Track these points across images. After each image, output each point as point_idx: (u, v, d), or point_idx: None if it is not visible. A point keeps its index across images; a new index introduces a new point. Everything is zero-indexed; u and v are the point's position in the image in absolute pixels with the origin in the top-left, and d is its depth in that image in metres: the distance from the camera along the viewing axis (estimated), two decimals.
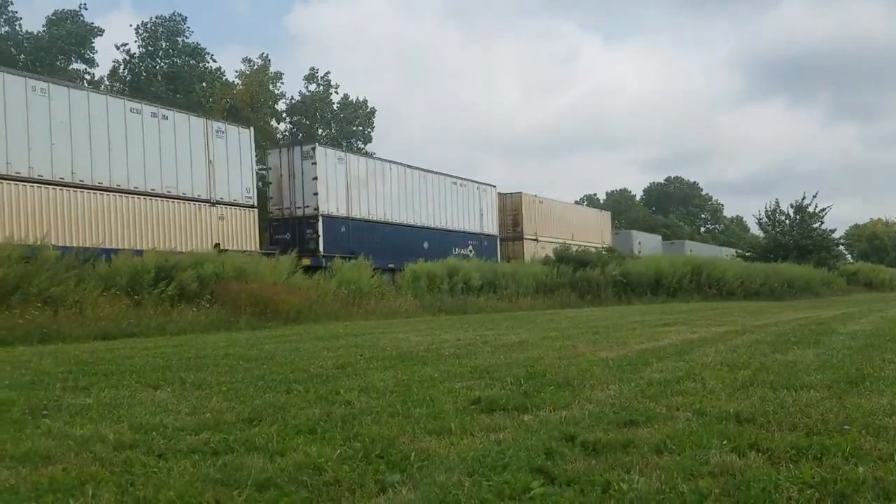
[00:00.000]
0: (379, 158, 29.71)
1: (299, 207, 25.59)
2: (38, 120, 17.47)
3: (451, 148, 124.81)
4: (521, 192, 37.99)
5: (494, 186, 35.66)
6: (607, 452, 3.76)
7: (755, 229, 59.06)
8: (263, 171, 28.00)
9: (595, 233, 44.30)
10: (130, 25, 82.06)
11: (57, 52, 40.36)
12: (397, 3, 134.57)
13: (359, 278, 21.73)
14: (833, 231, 53.09)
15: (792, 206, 51.15)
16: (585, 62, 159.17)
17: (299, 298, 18.36)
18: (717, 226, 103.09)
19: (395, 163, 29.90)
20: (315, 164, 25.31)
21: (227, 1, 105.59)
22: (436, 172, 31.73)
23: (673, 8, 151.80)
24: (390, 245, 27.30)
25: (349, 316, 19.11)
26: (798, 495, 3.06)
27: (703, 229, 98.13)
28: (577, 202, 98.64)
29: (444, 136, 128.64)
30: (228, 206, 22.50)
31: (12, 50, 39.64)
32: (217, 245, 21.37)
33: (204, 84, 43.38)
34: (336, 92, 53.34)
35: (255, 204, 23.58)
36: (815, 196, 51.76)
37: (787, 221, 51.16)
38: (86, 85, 39.24)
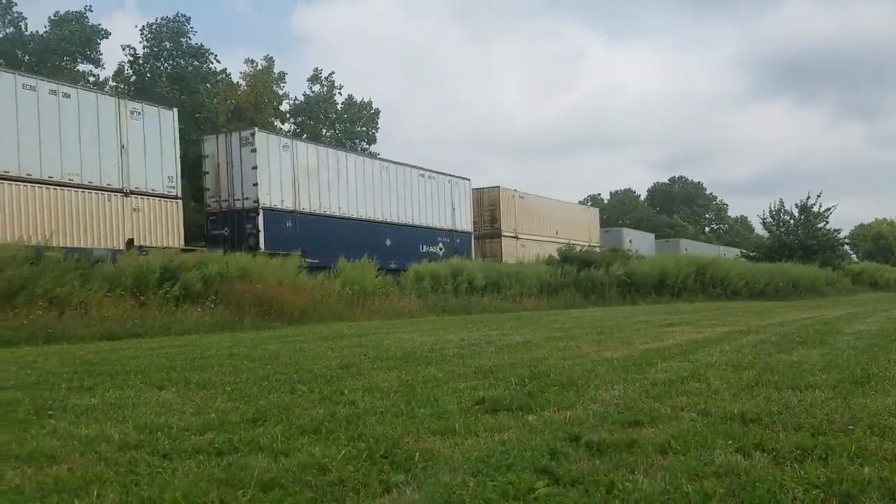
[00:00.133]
0: (332, 147, 27.98)
1: (238, 200, 23.36)
2: None
3: (454, 148, 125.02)
4: (498, 187, 36.01)
5: (468, 180, 33.77)
6: (612, 453, 3.75)
7: (759, 229, 58.94)
8: (201, 160, 25.21)
9: (582, 230, 42.59)
10: (136, 26, 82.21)
11: (62, 54, 40.45)
12: (400, 3, 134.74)
13: (363, 278, 21.75)
14: (838, 231, 53.03)
15: (797, 205, 51.07)
16: (588, 62, 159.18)
17: (303, 299, 18.39)
18: (722, 226, 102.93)
19: (351, 152, 28.32)
20: (255, 151, 23.08)
21: (231, 3, 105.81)
22: (400, 164, 29.83)
23: (675, 8, 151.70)
24: (346, 242, 24.92)
25: (353, 316, 19.12)
26: (803, 496, 3.05)
27: (707, 229, 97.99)
28: (580, 202, 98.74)
29: (447, 137, 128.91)
30: (145, 197, 20.20)
31: (17, 52, 39.74)
32: (131, 241, 19.36)
33: (208, 85, 43.43)
34: (340, 93, 53.39)
35: (180, 195, 21.40)
36: (819, 196, 51.67)
37: (792, 221, 51.03)
38: (90, 84, 39.30)
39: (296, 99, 52.68)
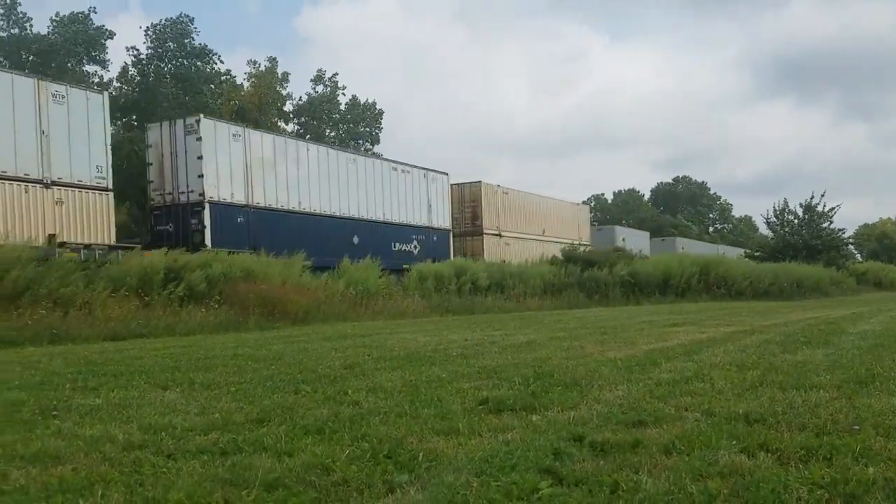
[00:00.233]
0: (291, 136, 26.11)
1: (183, 193, 21.45)
2: None
3: (456, 148, 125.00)
4: (480, 182, 34.03)
5: (446, 174, 31.88)
6: (616, 453, 3.75)
7: (764, 229, 58.76)
8: (144, 150, 23.46)
9: (571, 228, 40.80)
10: (140, 27, 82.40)
11: (66, 55, 40.53)
12: (404, 4, 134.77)
13: (367, 279, 21.77)
14: (842, 230, 52.83)
15: (801, 205, 50.94)
16: (590, 62, 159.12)
17: (307, 299, 18.40)
18: (726, 225, 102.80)
19: (313, 142, 26.22)
20: (200, 139, 21.16)
21: (237, 4, 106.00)
22: (370, 156, 28.47)
23: (676, 8, 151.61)
24: (308, 239, 23.05)
25: (357, 316, 19.13)
26: (808, 496, 3.05)
27: (711, 229, 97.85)
28: (584, 202, 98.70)
29: (449, 137, 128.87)
30: (70, 189, 18.39)
31: (22, 53, 39.83)
32: (53, 236, 17.57)
33: (212, 86, 43.49)
34: (343, 93, 53.44)
35: (111, 186, 19.52)
36: (823, 195, 51.55)
37: (796, 221, 50.90)
38: (95, 86, 39.40)
39: (300, 99, 52.78)
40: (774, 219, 51.78)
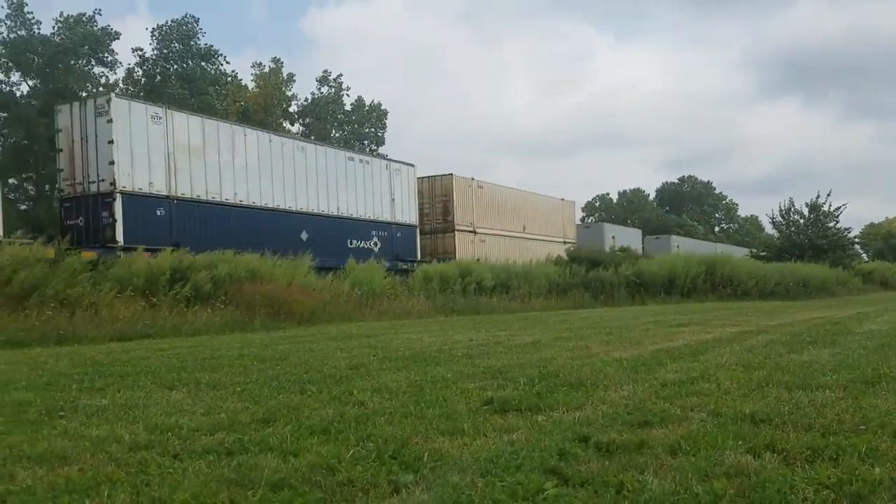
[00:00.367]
0: (225, 121, 23.34)
1: (93, 182, 19.11)
2: None
3: (459, 149, 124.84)
4: (451, 174, 31.64)
5: (412, 166, 29.66)
6: (621, 453, 3.75)
7: (769, 229, 58.54)
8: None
9: (554, 225, 38.54)
10: (146, 28, 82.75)
11: (73, 56, 40.66)
12: (409, 4, 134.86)
13: (371, 279, 21.79)
14: (848, 230, 52.63)
15: (807, 204, 50.77)
16: (594, 62, 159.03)
17: (313, 299, 18.42)
18: (732, 225, 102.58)
19: (252, 128, 24.20)
20: (111, 122, 18.81)
21: (243, 5, 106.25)
22: (322, 144, 26.37)
23: (681, 7, 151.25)
24: (245, 235, 21.25)
25: (362, 317, 19.15)
26: (814, 496, 3.04)
27: (717, 229, 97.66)
28: (589, 202, 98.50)
29: (453, 137, 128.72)
30: None
31: (28, 54, 39.95)
32: None
33: (218, 87, 43.60)
34: (348, 94, 53.52)
35: None
36: (829, 195, 51.39)
37: (802, 221, 50.75)
38: (101, 88, 39.56)
39: (306, 100, 52.88)
40: (780, 218, 51.67)
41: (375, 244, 26.84)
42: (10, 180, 37.89)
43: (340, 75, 53.61)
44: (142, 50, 42.54)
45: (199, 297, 16.82)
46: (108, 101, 19.21)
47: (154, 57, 42.93)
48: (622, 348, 9.11)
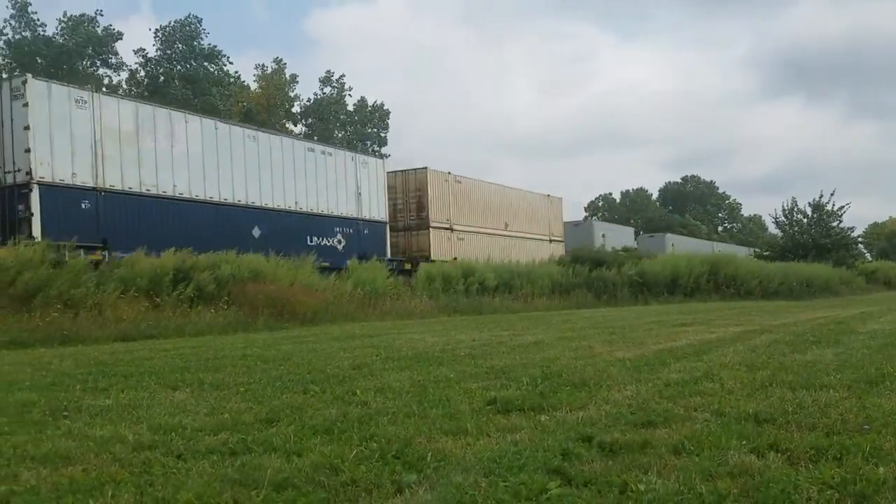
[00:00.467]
0: (163, 106, 21.37)
1: (9, 172, 17.44)
2: None
3: (462, 149, 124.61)
4: (426, 168, 29.92)
5: (382, 158, 28.23)
6: (625, 453, 3.75)
7: (773, 228, 58.42)
8: None
9: (539, 222, 36.78)
10: (150, 29, 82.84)
11: (77, 57, 40.76)
12: (412, 5, 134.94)
13: (374, 279, 21.81)
14: (852, 229, 52.56)
15: (810, 204, 50.69)
16: (598, 62, 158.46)
17: (316, 299, 18.44)
18: (735, 225, 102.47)
19: (195, 114, 22.43)
20: (27, 106, 17.12)
21: (245, 6, 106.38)
22: (278, 133, 25.00)
23: (683, 7, 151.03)
24: (187, 231, 19.58)
25: (365, 317, 19.16)
26: (818, 496, 3.04)
27: (720, 228, 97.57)
28: (592, 202, 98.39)
29: (455, 138, 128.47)
30: None
31: (33, 56, 40.07)
32: None
33: (221, 87, 43.68)
34: (350, 94, 53.57)
35: None
36: (832, 194, 51.27)
37: (805, 220, 50.67)
38: (104, 89, 39.63)
39: (308, 100, 52.94)
40: (783, 218, 51.60)
41: (339, 241, 24.98)
42: None
43: (343, 76, 53.71)
44: (144, 50, 42.60)
45: (203, 297, 16.84)
46: (24, 83, 17.39)
47: (157, 58, 42.99)
48: (625, 348, 9.10)
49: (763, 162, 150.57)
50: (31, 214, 17.01)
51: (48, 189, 17.32)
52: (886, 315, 15.89)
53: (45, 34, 40.81)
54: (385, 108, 54.97)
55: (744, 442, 3.86)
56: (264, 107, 47.29)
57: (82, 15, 41.60)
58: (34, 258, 14.68)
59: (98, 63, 42.30)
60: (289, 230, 22.98)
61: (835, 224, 50.13)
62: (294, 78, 51.16)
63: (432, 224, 29.28)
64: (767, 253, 51.36)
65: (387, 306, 20.72)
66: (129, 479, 3.49)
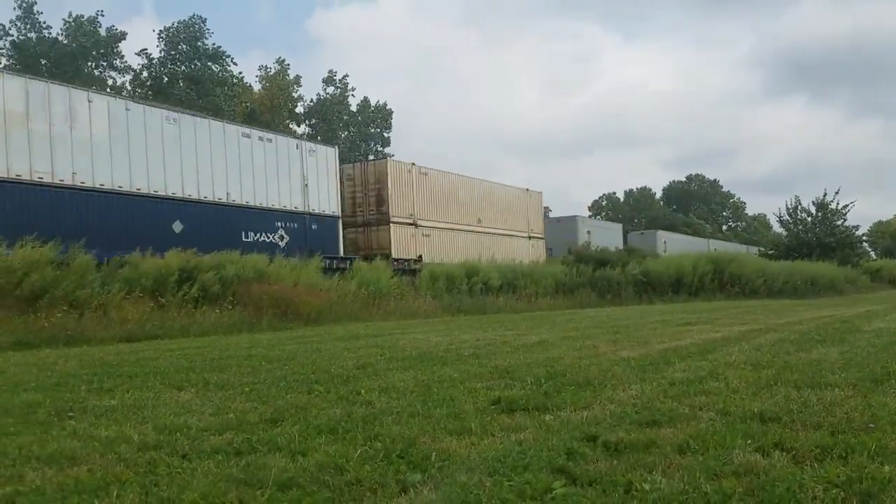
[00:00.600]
0: (62, 84, 18.79)
1: None
2: None
3: (464, 149, 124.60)
4: (386, 159, 28.25)
5: (334, 147, 25.90)
6: (629, 452, 3.74)
7: (777, 227, 58.29)
8: None
9: (517, 218, 34.80)
10: (153, 31, 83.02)
11: (81, 59, 40.83)
12: (415, 5, 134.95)
13: (378, 279, 21.84)
14: (856, 228, 52.41)
15: (814, 203, 50.58)
16: (602, 62, 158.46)
17: (320, 300, 18.47)
18: (739, 223, 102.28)
19: (101, 93, 20.63)
20: None
21: (248, 7, 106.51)
22: (205, 116, 22.81)
23: (686, 6, 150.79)
24: (91, 225, 17.45)
25: (369, 317, 19.18)
26: (823, 495, 3.03)
27: (724, 227, 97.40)
28: (595, 201, 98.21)
29: (457, 138, 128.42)
30: None
31: (39, 57, 40.16)
32: None
33: (225, 87, 43.73)
34: (353, 95, 53.58)
35: None
36: (837, 193, 51.17)
37: (810, 219, 50.56)
38: (108, 90, 39.70)
39: (311, 101, 52.97)
40: (787, 217, 51.51)
41: (282, 238, 22.75)
42: None
43: (346, 76, 53.69)
44: (147, 51, 42.67)
45: (207, 297, 16.88)
46: None
47: (161, 59, 43.05)
48: (630, 347, 9.09)
49: (765, 161, 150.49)
50: None
51: None
52: (891, 313, 15.85)
53: (51, 36, 40.91)
54: (388, 107, 55.00)
55: (749, 441, 3.86)
56: (268, 107, 47.35)
57: (83, 16, 41.71)
58: (41, 260, 14.73)
59: (104, 65, 42.39)
60: (219, 225, 20.81)
61: (839, 222, 50.03)
62: (297, 79, 51.24)
63: (393, 219, 27.25)
64: (772, 252, 51.26)
65: (390, 306, 20.74)
66: (134, 480, 3.49)
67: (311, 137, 49.86)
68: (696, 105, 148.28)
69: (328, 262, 23.02)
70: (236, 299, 17.08)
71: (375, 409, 5.12)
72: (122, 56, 43.04)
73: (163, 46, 43.39)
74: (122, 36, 42.82)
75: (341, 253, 24.72)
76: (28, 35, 40.66)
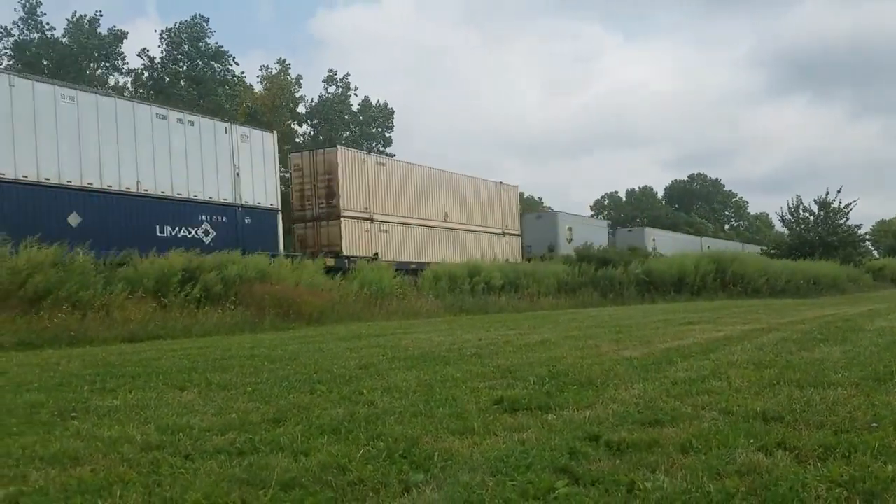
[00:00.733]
0: None
1: None
2: None
3: (465, 149, 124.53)
4: (336, 148, 25.95)
5: (272, 133, 23.38)
6: (632, 452, 3.74)
7: (780, 226, 58.18)
8: None
9: (489, 214, 32.78)
10: (155, 31, 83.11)
11: (82, 59, 40.87)
12: (417, 6, 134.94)
13: (380, 279, 21.85)
14: (859, 227, 52.31)
15: (816, 201, 50.50)
16: (603, 62, 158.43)
17: (322, 300, 18.48)
18: (742, 223, 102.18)
19: None
20: None
21: (250, 7, 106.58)
22: (110, 95, 20.76)
23: (688, 6, 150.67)
24: None
25: (371, 316, 19.18)
26: (826, 494, 3.02)
27: (727, 226, 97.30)
28: (598, 200, 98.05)
29: (461, 138, 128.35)
30: None
31: (42, 58, 40.22)
32: None
33: (227, 88, 43.75)
34: (355, 94, 53.56)
35: None
36: (839, 192, 51.05)
37: (812, 218, 50.48)
38: (110, 90, 39.76)
39: (313, 100, 52.96)
40: (790, 216, 51.41)
41: (206, 232, 20.47)
42: None
43: (347, 75, 53.60)
44: (148, 51, 42.70)
45: (210, 297, 16.90)
46: None
47: (163, 59, 43.09)
48: (632, 347, 9.09)
49: (765, 161, 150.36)
50: None
51: None
52: (894, 312, 15.82)
53: (54, 36, 40.97)
54: (389, 107, 54.96)
55: (752, 440, 3.85)
56: (269, 107, 47.37)
57: (85, 16, 41.77)
58: (45, 261, 14.75)
59: (107, 66, 42.44)
60: (128, 218, 18.49)
61: (842, 221, 49.93)
62: (299, 80, 51.25)
63: (344, 213, 25.00)
64: (774, 251, 51.18)
65: (393, 306, 20.75)
66: (137, 480, 3.50)
67: (313, 137, 49.91)
68: (696, 105, 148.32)
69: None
70: (238, 299, 17.10)
71: (378, 408, 5.12)
72: (124, 56, 43.12)
73: (165, 46, 43.46)
74: (124, 35, 42.90)
75: (281, 250, 22.63)
76: (30, 36, 40.74)
